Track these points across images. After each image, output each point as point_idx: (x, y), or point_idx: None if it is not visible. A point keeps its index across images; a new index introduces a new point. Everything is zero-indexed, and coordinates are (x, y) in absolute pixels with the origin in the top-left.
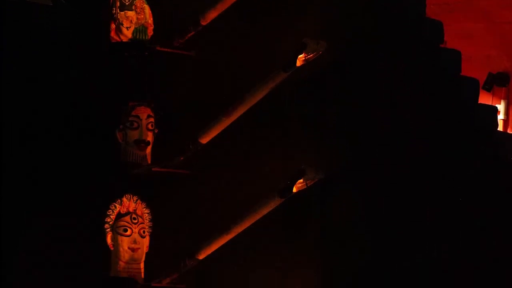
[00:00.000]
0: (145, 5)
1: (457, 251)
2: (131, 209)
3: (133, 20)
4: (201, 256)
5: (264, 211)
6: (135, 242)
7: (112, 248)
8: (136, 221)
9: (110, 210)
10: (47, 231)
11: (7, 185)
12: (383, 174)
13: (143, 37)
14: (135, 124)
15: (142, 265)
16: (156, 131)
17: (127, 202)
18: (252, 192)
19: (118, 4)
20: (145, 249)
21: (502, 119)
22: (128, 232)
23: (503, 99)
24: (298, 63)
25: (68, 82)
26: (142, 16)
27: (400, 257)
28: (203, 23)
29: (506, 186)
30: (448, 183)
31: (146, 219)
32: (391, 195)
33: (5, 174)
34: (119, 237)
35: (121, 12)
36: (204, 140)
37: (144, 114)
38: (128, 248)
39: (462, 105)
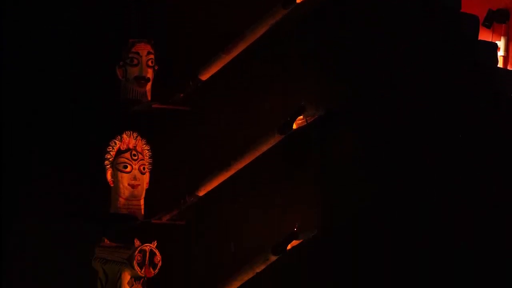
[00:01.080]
0: None
1: (457, 193)
2: (131, 146)
3: None
4: (201, 193)
5: (264, 147)
6: (135, 178)
7: (112, 185)
8: (136, 157)
9: (110, 147)
10: (48, 167)
11: (8, 125)
12: (383, 110)
13: None
14: (135, 61)
15: (142, 201)
16: (156, 67)
17: (127, 139)
18: (252, 129)
19: None
20: (145, 186)
21: (502, 56)
22: (128, 169)
23: (503, 35)
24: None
25: (69, 21)
26: None
27: (400, 196)
28: None
29: (506, 122)
30: (448, 121)
31: (146, 156)
32: (390, 132)
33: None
34: (119, 174)
35: None
36: (204, 76)
37: (144, 51)
38: (128, 184)
39: (462, 42)
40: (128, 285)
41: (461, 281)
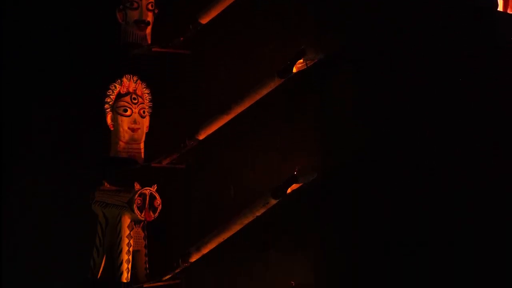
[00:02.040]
0: None
1: (456, 136)
2: (131, 89)
3: None
4: (201, 136)
5: (264, 91)
6: (135, 122)
7: (112, 128)
8: (136, 101)
9: (110, 90)
10: (48, 111)
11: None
12: (382, 53)
13: None
14: (135, 4)
15: (142, 145)
16: (156, 11)
17: (127, 82)
18: (252, 73)
19: None
20: (145, 129)
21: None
22: (128, 112)
23: None
24: None
25: None
26: None
27: (400, 139)
28: None
29: (505, 66)
30: (448, 65)
31: (146, 99)
32: (390, 74)
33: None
34: (119, 117)
35: None
36: (204, 20)
37: None
38: (128, 128)
39: None
40: (128, 229)
41: (461, 231)
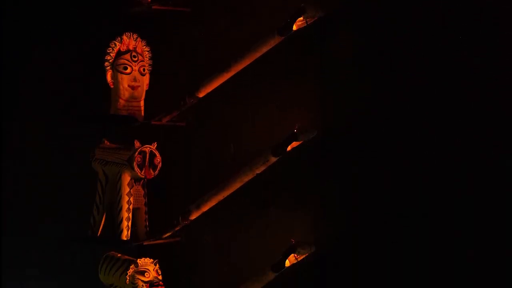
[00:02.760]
0: None
1: (459, 95)
2: (131, 47)
3: None
4: (201, 94)
5: (264, 49)
6: (135, 80)
7: (112, 86)
8: (136, 59)
9: (110, 48)
10: (47, 68)
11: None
12: (384, 10)
13: None
14: None
15: (142, 103)
16: None
17: (127, 40)
18: (252, 31)
19: None
20: (145, 87)
21: None
22: (128, 70)
23: None
24: None
25: None
26: None
27: (400, 96)
28: None
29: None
30: (452, 22)
31: (146, 57)
32: (391, 32)
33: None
34: (119, 75)
35: None
36: None
37: None
38: (128, 86)
39: None
40: (128, 186)
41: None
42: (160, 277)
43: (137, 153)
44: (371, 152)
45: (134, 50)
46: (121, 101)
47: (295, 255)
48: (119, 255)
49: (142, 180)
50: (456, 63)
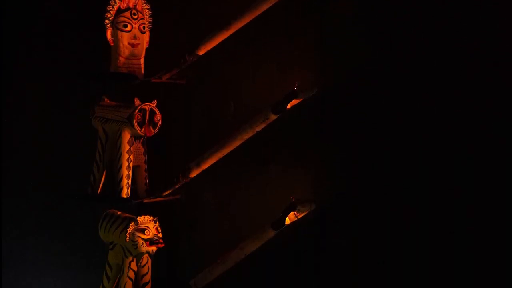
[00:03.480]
0: None
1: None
2: (131, 5)
3: None
4: (201, 52)
5: (264, 6)
6: (135, 37)
7: (112, 44)
8: (136, 16)
9: (110, 6)
10: (47, 26)
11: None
12: None
13: None
14: None
15: (142, 60)
16: None
17: None
18: None
19: None
20: (145, 45)
21: None
22: (128, 28)
23: None
24: None
25: None
26: None
27: (400, 57)
28: None
29: None
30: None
31: (146, 15)
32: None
33: None
34: (119, 33)
35: None
36: None
37: None
38: (128, 43)
39: None
40: (128, 144)
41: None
42: (160, 235)
43: (137, 110)
44: (370, 109)
45: (134, 7)
46: (121, 59)
47: (295, 212)
48: (119, 212)
49: (142, 138)
50: (459, 22)
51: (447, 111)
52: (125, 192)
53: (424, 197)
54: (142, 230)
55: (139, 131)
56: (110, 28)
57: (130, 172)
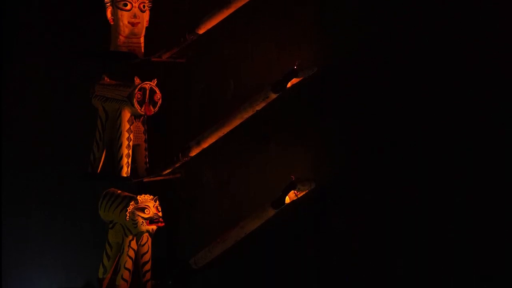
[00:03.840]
0: None
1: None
2: None
3: None
4: (201, 31)
5: None
6: (135, 16)
7: (112, 23)
8: None
9: None
10: (48, 7)
11: None
12: None
13: None
14: None
15: (142, 39)
16: None
17: None
18: None
19: None
20: (145, 24)
21: None
22: (128, 7)
23: None
24: None
25: None
26: None
27: (400, 34)
28: None
29: None
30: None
31: None
32: None
33: None
34: (119, 12)
35: None
36: None
37: None
38: (128, 22)
39: None
40: (128, 123)
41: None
42: (160, 214)
43: (137, 89)
44: (370, 88)
45: None
46: (121, 38)
47: (295, 191)
48: (119, 191)
49: (142, 117)
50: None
51: (449, 88)
52: (125, 171)
53: (424, 177)
54: (142, 209)
55: (139, 110)
56: (110, 7)
57: (130, 151)
